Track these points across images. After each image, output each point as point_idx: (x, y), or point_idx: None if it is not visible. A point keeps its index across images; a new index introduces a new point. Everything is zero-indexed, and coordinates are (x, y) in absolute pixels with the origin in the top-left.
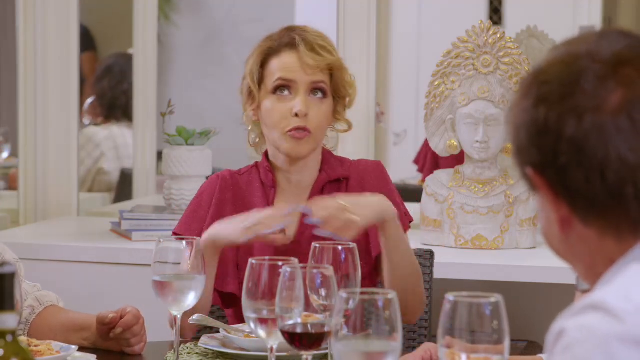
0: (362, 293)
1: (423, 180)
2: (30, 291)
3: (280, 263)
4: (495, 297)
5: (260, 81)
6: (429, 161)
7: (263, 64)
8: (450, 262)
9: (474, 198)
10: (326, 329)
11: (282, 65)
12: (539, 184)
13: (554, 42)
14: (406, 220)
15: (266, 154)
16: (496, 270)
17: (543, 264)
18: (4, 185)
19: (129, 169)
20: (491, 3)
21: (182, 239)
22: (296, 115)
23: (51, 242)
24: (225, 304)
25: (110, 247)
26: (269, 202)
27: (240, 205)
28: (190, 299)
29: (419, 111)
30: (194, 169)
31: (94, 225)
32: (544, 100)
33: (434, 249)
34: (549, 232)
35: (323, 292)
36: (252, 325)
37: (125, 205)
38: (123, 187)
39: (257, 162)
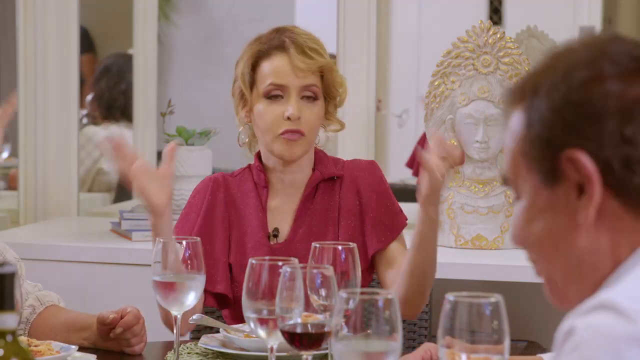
0: (362, 293)
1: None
2: (31, 291)
3: (280, 263)
4: (495, 297)
5: (252, 84)
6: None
7: (254, 66)
8: (450, 262)
9: (474, 198)
10: (326, 329)
11: (273, 69)
12: (587, 171)
13: (554, 42)
14: (402, 218)
15: (258, 155)
16: (496, 270)
17: None
18: (4, 185)
19: None
20: (491, 3)
21: (182, 239)
22: (288, 118)
23: (51, 242)
24: (220, 305)
25: (110, 247)
26: (261, 202)
27: (231, 206)
28: (190, 299)
29: (419, 111)
30: (194, 169)
31: (94, 225)
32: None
33: None
34: (553, 227)
35: (323, 292)
36: (252, 325)
37: (125, 205)
38: (123, 187)
39: (249, 165)
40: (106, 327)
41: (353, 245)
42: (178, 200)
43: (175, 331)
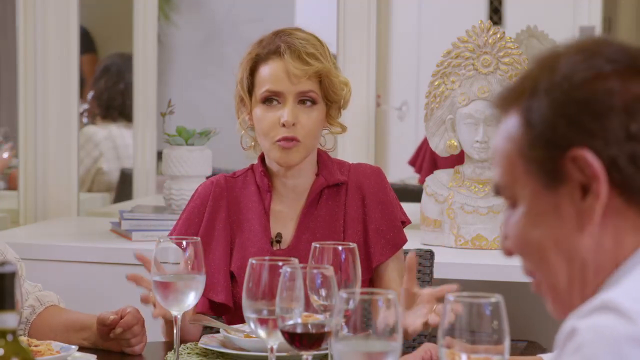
0: (362, 293)
1: (421, 181)
2: (31, 291)
3: (280, 263)
4: (495, 297)
5: (251, 89)
6: (427, 161)
7: (252, 71)
8: (450, 262)
9: (474, 198)
10: (326, 329)
11: (268, 75)
12: (594, 170)
13: (554, 42)
14: (402, 236)
15: (262, 157)
16: (496, 270)
17: None
18: (4, 185)
19: (128, 169)
20: (491, 3)
21: (182, 239)
22: (284, 125)
23: (51, 242)
24: (216, 312)
25: (110, 247)
26: (264, 206)
27: (234, 211)
28: (191, 299)
29: (419, 111)
30: (194, 169)
31: (94, 225)
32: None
33: (434, 249)
34: (556, 231)
35: (323, 292)
36: (252, 325)
37: (125, 205)
38: (123, 187)
39: (252, 165)
40: (106, 327)
41: (353, 245)
42: (178, 201)
43: (175, 331)
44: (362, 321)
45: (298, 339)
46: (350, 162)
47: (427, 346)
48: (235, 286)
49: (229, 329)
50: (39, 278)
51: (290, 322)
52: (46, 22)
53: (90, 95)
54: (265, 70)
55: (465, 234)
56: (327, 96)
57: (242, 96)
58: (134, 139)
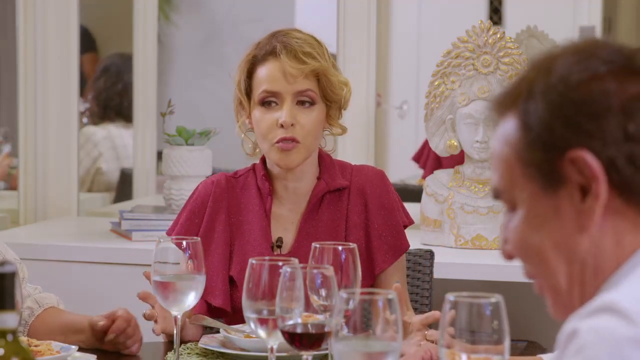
0: (362, 293)
1: (424, 178)
2: (30, 293)
3: (280, 263)
4: (495, 297)
5: (249, 91)
6: (431, 159)
7: (250, 73)
8: (450, 262)
9: (474, 198)
10: (326, 329)
11: (265, 76)
12: (593, 170)
13: (554, 42)
14: (405, 242)
15: (263, 159)
16: (496, 270)
17: None
18: (4, 185)
19: (128, 169)
20: (491, 3)
21: (182, 239)
22: (282, 126)
23: (51, 242)
24: (213, 315)
25: (110, 247)
26: (265, 209)
27: (234, 213)
28: (191, 299)
29: (419, 111)
30: (194, 169)
31: (94, 225)
32: (609, 74)
33: (434, 249)
34: (556, 234)
35: (323, 292)
36: (252, 325)
37: (125, 205)
38: (123, 187)
39: (254, 165)
40: (99, 331)
41: (353, 245)
42: (178, 201)
43: (175, 331)
44: (362, 321)
45: (298, 339)
46: (353, 164)
47: (427, 346)
48: (235, 290)
49: (229, 329)
50: (38, 278)
51: (290, 322)
52: (46, 22)
53: (90, 95)
54: (262, 72)
55: (465, 234)
56: (326, 96)
57: (240, 99)
58: (134, 139)
